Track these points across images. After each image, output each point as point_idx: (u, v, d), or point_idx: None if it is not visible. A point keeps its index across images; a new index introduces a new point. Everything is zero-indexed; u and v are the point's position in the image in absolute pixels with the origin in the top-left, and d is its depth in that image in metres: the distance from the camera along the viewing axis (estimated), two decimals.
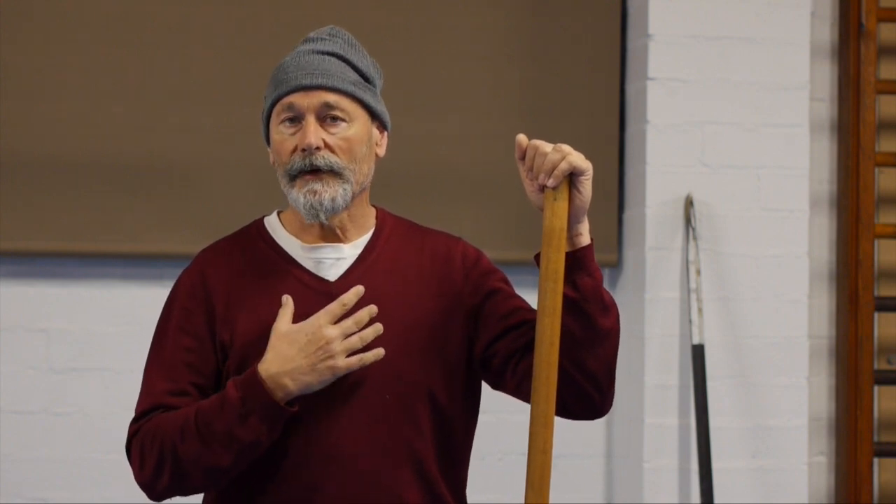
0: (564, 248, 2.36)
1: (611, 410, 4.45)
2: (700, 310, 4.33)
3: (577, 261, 2.40)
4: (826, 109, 4.64)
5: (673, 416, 4.38)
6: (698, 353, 4.31)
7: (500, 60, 4.47)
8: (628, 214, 4.51)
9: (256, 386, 2.40)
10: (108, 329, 4.30)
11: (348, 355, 2.43)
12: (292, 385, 2.41)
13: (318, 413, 2.45)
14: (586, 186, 2.37)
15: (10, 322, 4.27)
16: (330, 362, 2.42)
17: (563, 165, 2.34)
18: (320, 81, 2.49)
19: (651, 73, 4.39)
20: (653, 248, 4.39)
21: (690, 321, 4.34)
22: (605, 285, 2.45)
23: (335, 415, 2.45)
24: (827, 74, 4.64)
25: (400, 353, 2.47)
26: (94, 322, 4.28)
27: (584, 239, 2.41)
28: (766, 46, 4.43)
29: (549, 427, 2.34)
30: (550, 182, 2.35)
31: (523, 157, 2.39)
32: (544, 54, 4.49)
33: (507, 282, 2.58)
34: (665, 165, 4.40)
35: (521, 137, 2.38)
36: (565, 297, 2.37)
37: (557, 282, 2.34)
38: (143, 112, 4.29)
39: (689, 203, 4.38)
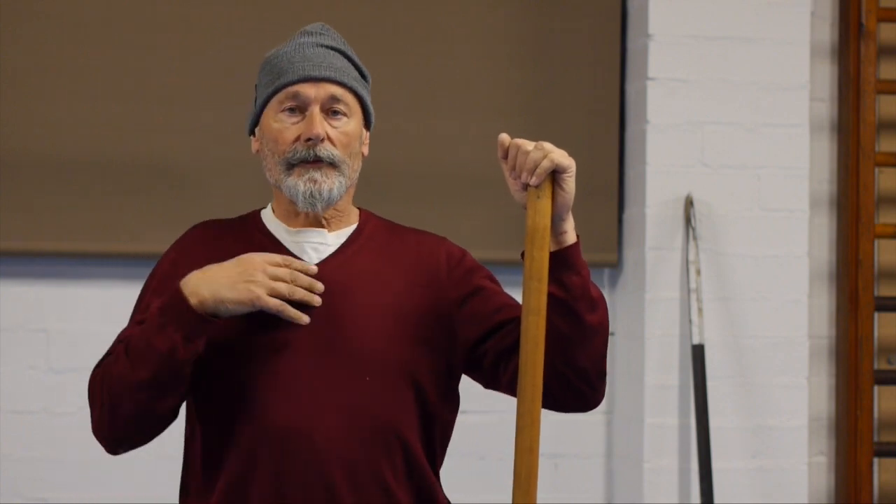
0: (548, 246, 2.35)
1: (611, 410, 4.51)
2: (700, 310, 4.33)
3: (564, 259, 2.39)
4: (826, 109, 4.64)
5: (673, 416, 4.38)
6: (698, 353, 4.31)
7: (500, 60, 4.47)
8: (628, 214, 4.51)
9: (174, 294, 2.39)
10: (108, 329, 4.26)
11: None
12: (206, 293, 2.37)
13: (293, 396, 2.40)
14: (569, 184, 2.35)
15: (10, 322, 4.27)
16: (251, 285, 2.38)
17: (545, 163, 2.33)
18: (329, 74, 2.50)
19: (651, 73, 4.39)
20: (653, 248, 4.39)
21: (690, 321, 4.34)
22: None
23: (311, 397, 2.40)
24: (827, 74, 4.64)
25: (382, 338, 2.44)
26: (94, 322, 4.27)
27: (570, 237, 2.40)
28: (766, 46, 4.43)
29: (535, 426, 2.31)
30: (533, 180, 2.34)
31: (506, 156, 2.37)
32: (544, 54, 4.49)
33: (493, 279, 2.57)
34: (665, 165, 4.39)
35: (504, 136, 2.37)
36: (553, 296, 2.36)
37: (542, 281, 2.33)
38: (143, 112, 4.28)
39: (689, 203, 4.37)
